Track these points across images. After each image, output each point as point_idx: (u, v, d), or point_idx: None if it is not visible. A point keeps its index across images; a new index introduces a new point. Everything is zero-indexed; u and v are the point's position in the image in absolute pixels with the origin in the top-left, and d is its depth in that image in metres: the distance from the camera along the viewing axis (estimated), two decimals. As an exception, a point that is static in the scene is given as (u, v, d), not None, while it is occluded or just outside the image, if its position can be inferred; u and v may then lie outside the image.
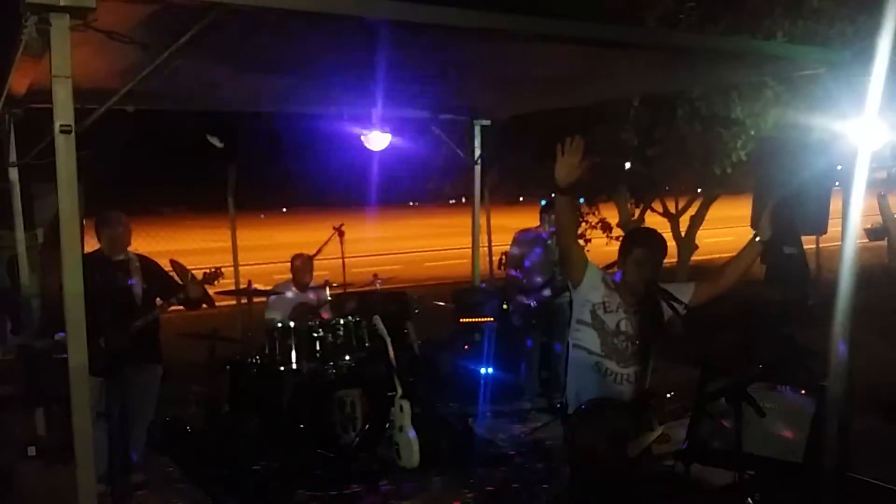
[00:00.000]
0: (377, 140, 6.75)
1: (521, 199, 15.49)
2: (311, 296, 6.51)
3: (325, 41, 4.46)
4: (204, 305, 5.56)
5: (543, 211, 7.17)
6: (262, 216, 43.44)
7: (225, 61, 4.68)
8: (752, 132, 8.70)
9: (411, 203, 52.51)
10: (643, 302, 3.61)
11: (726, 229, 18.87)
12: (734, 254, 3.91)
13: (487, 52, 4.99)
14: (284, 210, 51.10)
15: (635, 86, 7.23)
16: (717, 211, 13.40)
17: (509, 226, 8.44)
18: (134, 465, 5.32)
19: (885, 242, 7.10)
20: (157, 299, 5.29)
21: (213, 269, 5.45)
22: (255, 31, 4.01)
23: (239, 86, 5.85)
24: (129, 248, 5.34)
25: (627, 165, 10.45)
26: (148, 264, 5.38)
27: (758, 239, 3.69)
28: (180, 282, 5.35)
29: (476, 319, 7.03)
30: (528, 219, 7.34)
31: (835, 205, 5.22)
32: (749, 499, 4.25)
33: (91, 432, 3.09)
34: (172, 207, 43.99)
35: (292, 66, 5.10)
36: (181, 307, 5.38)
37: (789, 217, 3.66)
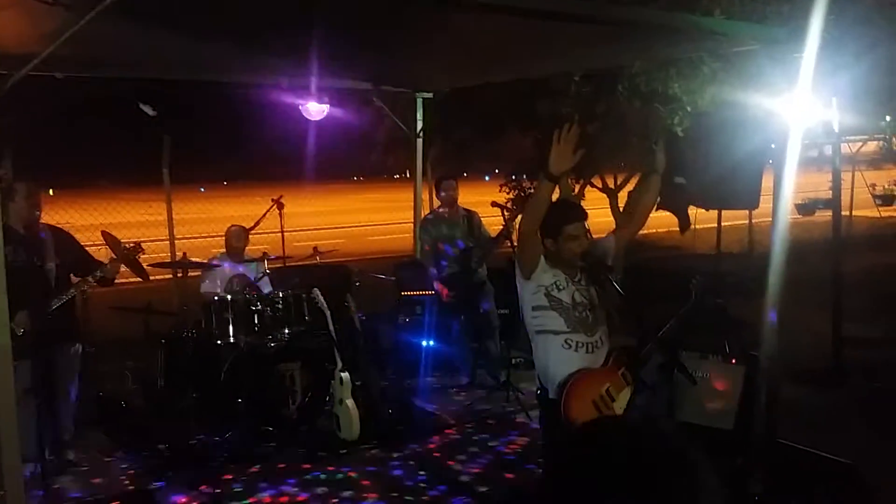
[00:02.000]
0: (316, 110, 6.64)
1: (465, 174, 15.49)
2: (248, 268, 6.39)
3: (261, 6, 4.35)
4: (139, 279, 5.42)
5: (441, 187, 7.08)
6: (202, 189, 42.66)
7: (157, 25, 4.53)
8: (689, 109, 8.82)
9: (355, 178, 52.19)
10: (583, 269, 3.66)
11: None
12: (636, 194, 4.04)
13: (429, 21, 4.94)
14: (225, 183, 50.29)
15: (576, 60, 7.25)
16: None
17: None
18: (65, 444, 5.19)
19: (814, 217, 7.37)
20: (73, 276, 5.08)
21: (131, 245, 5.23)
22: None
23: (172, 52, 5.68)
24: (42, 221, 5.10)
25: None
26: (62, 238, 5.14)
27: (654, 170, 3.82)
28: (114, 255, 5.18)
29: (417, 293, 7.02)
30: (472, 193, 7.34)
31: (766, 181, 5.36)
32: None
33: (14, 412, 3.00)
34: (109, 179, 42.89)
35: (228, 31, 4.97)
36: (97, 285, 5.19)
37: (679, 151, 3.86)
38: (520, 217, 7.27)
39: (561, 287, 3.61)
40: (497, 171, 16.06)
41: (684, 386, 4.52)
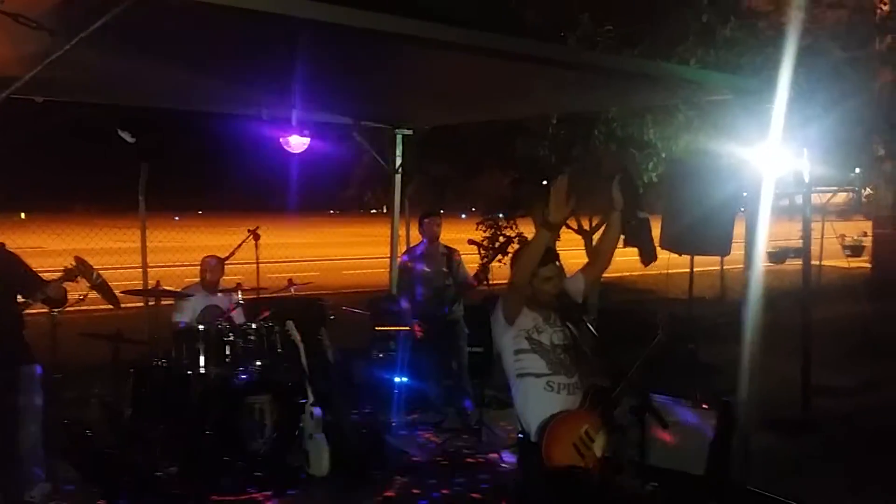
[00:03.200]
0: (296, 143, 6.67)
1: (441, 210, 15.55)
2: (221, 298, 6.35)
3: (244, 38, 4.39)
4: (110, 305, 5.30)
5: (425, 222, 7.13)
6: (176, 218, 42.31)
7: (139, 54, 4.55)
8: (664, 155, 8.98)
9: (331, 211, 52.16)
10: (557, 310, 3.68)
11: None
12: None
13: (410, 60, 5.01)
14: (200, 212, 49.98)
15: (553, 103, 7.37)
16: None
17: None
18: (35, 477, 4.93)
19: (784, 265, 7.48)
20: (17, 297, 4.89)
21: (72, 266, 5.12)
22: (170, 23, 3.91)
23: (153, 81, 5.71)
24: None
25: (545, 182, 10.63)
26: (4, 260, 4.94)
27: (615, 210, 3.86)
28: (78, 276, 5.05)
29: (391, 328, 7.00)
30: (448, 230, 7.36)
31: (738, 228, 5.45)
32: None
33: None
34: (83, 205, 42.50)
35: (209, 62, 5.00)
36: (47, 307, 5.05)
37: (633, 186, 3.93)
38: (499, 261, 7.34)
39: (540, 329, 3.63)
40: (473, 209, 16.18)
41: (656, 430, 4.55)
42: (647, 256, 3.97)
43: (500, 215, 11.79)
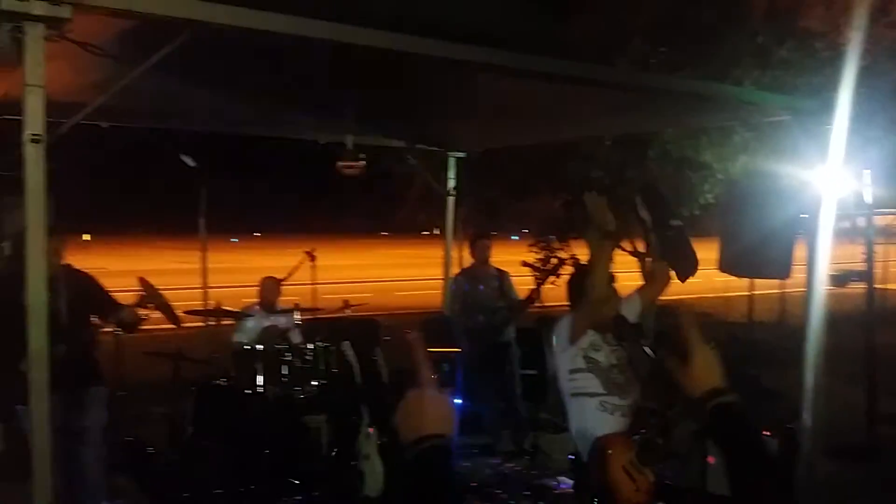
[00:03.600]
0: (350, 167, 6.77)
1: (493, 232, 15.56)
2: (279, 318, 6.46)
3: (300, 66, 4.49)
4: (172, 325, 5.41)
5: (476, 245, 7.14)
6: (234, 239, 43.18)
7: (201, 81, 4.70)
8: (720, 176, 8.86)
9: (384, 233, 52.60)
10: (614, 331, 3.66)
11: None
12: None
13: (463, 84, 5.06)
14: (257, 235, 50.88)
15: (607, 125, 7.35)
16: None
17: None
18: (98, 495, 5.00)
19: (846, 289, 7.28)
20: (91, 318, 5.00)
21: (145, 293, 5.21)
22: (232, 52, 4.03)
23: (215, 107, 5.87)
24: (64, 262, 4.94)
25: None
26: (77, 280, 5.04)
27: (648, 230, 3.81)
28: (150, 302, 5.19)
29: (444, 349, 7.01)
30: (500, 252, 7.38)
31: (798, 251, 5.34)
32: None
33: (49, 449, 3.03)
34: (145, 227, 43.63)
35: (268, 89, 5.13)
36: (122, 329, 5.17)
37: (659, 197, 3.85)
38: (551, 283, 7.30)
39: (597, 348, 3.62)
40: (526, 230, 16.16)
41: (717, 457, 4.45)
42: (684, 270, 3.89)
43: (553, 237, 11.75)
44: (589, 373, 3.57)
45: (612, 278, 3.70)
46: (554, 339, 3.69)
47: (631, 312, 3.81)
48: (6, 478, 4.99)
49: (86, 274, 5.17)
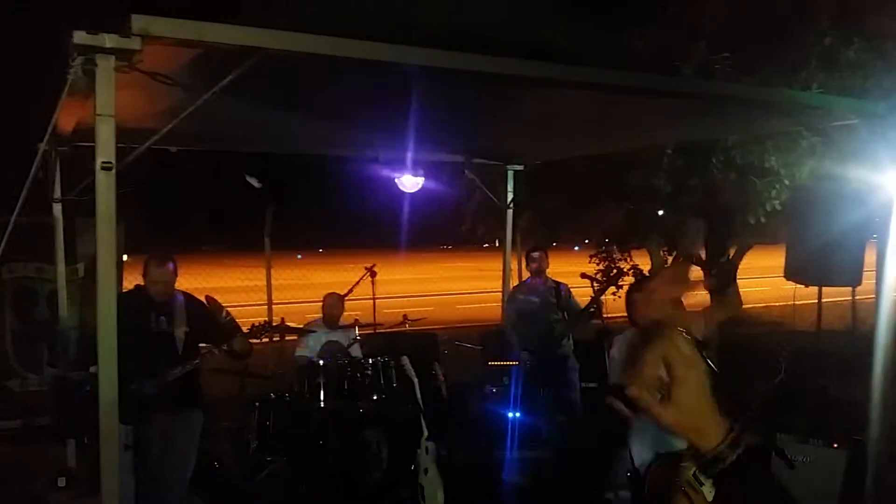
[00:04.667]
0: (411, 183, 6.85)
1: (553, 244, 15.49)
2: (341, 333, 6.56)
3: (360, 86, 4.56)
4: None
5: (530, 259, 7.12)
6: (299, 256, 43.82)
7: (264, 104, 4.81)
8: (787, 182, 8.64)
9: (445, 246, 52.77)
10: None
11: (762, 279, 18.64)
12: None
13: (521, 97, 5.07)
14: (321, 250, 51.54)
15: (668, 134, 7.26)
16: (753, 260, 13.26)
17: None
18: None
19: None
20: (202, 345, 5.14)
21: (261, 323, 5.40)
22: (294, 75, 4.13)
23: (278, 128, 6.00)
24: (178, 288, 5.16)
25: (660, 213, 10.42)
26: (195, 307, 5.18)
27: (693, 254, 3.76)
28: (263, 332, 5.33)
29: (504, 363, 7.01)
30: (561, 264, 7.35)
31: (870, 256, 5.18)
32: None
33: (117, 466, 3.13)
34: (212, 245, 44.63)
35: (329, 110, 5.22)
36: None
37: (698, 229, 3.80)
38: (612, 294, 7.24)
39: None
40: (587, 241, 16.05)
41: (782, 470, 4.34)
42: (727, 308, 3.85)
43: (614, 247, 11.63)
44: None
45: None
46: (614, 353, 3.65)
47: (695, 330, 3.76)
48: (80, 493, 5.18)
49: (200, 300, 5.28)
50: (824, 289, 7.54)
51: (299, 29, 3.27)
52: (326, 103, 5.03)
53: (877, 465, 4.50)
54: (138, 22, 2.97)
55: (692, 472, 3.42)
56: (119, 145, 3.39)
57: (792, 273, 6.07)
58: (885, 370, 4.66)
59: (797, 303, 9.47)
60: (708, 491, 3.41)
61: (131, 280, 5.61)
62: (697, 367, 1.13)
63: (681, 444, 3.43)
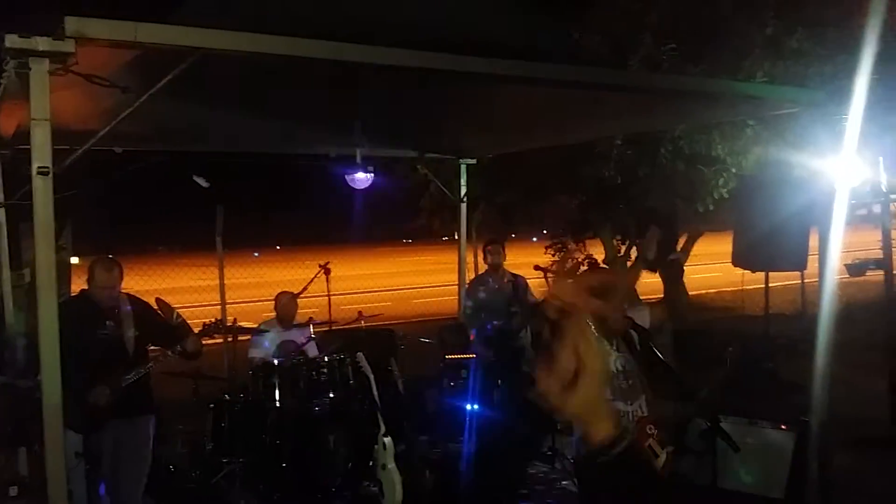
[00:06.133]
0: (361, 179, 6.83)
1: (513, 235, 15.58)
2: (295, 332, 6.52)
3: (306, 83, 4.54)
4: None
5: (487, 252, 7.19)
6: (256, 254, 43.39)
7: (208, 103, 4.77)
8: (734, 170, 8.82)
9: (405, 240, 52.74)
10: (622, 336, 3.67)
11: (713, 265, 19.00)
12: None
13: (471, 92, 5.09)
14: (278, 248, 51.11)
15: (616, 126, 7.35)
16: (704, 247, 13.49)
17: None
18: None
19: (866, 277, 7.22)
20: (152, 347, 5.08)
21: (213, 322, 5.35)
22: (236, 74, 4.09)
23: (225, 127, 5.94)
24: (123, 290, 5.06)
25: (619, 206, 10.53)
26: (143, 310, 5.10)
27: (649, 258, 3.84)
28: (215, 331, 5.28)
29: (461, 356, 7.03)
30: (519, 255, 7.40)
31: (813, 241, 5.30)
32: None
33: (64, 474, 3.08)
34: (166, 246, 44.00)
35: (274, 107, 5.19)
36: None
37: (657, 234, 3.90)
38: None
39: (606, 354, 3.63)
40: (545, 232, 16.16)
41: (731, 453, 4.44)
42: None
43: (568, 238, 11.74)
44: None
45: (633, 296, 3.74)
46: None
47: (641, 320, 3.81)
48: (32, 501, 5.08)
49: (146, 303, 5.20)
50: (774, 273, 7.69)
51: (238, 28, 3.24)
52: (273, 102, 5.00)
53: (823, 446, 4.63)
54: (72, 24, 2.92)
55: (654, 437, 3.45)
56: (62, 147, 3.34)
57: (739, 259, 6.21)
58: (828, 351, 4.78)
59: (746, 288, 9.64)
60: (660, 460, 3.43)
61: (80, 283, 5.50)
62: (603, 359, 1.16)
63: (632, 428, 3.50)
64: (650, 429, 3.51)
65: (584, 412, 1.12)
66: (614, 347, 3.64)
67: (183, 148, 7.14)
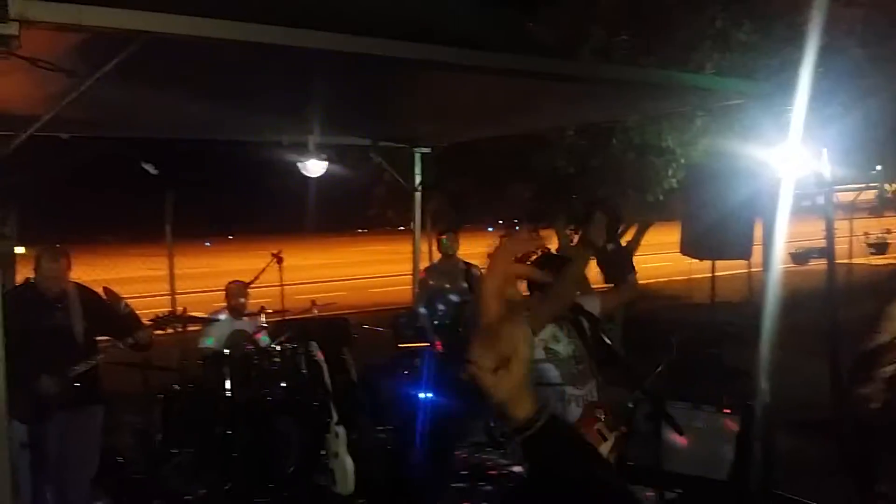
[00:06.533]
0: (314, 167, 6.79)
1: (468, 224, 15.60)
2: (247, 322, 6.47)
3: (257, 69, 4.49)
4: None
5: (441, 241, 7.24)
6: (208, 244, 42.89)
7: (156, 89, 4.68)
8: (683, 160, 8.96)
9: (360, 230, 52.57)
10: (572, 322, 3.73)
11: (663, 255, 19.33)
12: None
13: (423, 82, 5.09)
14: (231, 238, 50.55)
15: (566, 116, 7.41)
16: (655, 237, 13.70)
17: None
18: None
19: (811, 266, 7.43)
20: (101, 338, 5.03)
21: (164, 314, 5.29)
22: (184, 59, 4.02)
23: (174, 114, 5.85)
24: (72, 279, 5.00)
25: (574, 196, 10.61)
26: (91, 300, 5.06)
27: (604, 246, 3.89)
28: (168, 323, 5.23)
29: (414, 345, 7.05)
30: (474, 244, 7.45)
31: (759, 231, 5.43)
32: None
33: (9, 465, 3.03)
34: (115, 235, 43.18)
35: (224, 93, 5.12)
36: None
37: (617, 217, 3.98)
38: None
39: (558, 339, 3.68)
40: (501, 221, 16.25)
41: (674, 436, 4.54)
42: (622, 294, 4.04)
43: (521, 227, 11.79)
44: (548, 363, 3.63)
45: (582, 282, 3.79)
46: None
47: (591, 307, 3.87)
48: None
49: (96, 293, 5.15)
50: (721, 262, 7.86)
51: (185, 12, 3.20)
52: (223, 87, 4.93)
53: (766, 429, 4.76)
54: (15, 6, 2.84)
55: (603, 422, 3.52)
56: (6, 133, 3.26)
57: (686, 248, 6.32)
58: (772, 338, 4.91)
59: (694, 277, 9.84)
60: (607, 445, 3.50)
61: (25, 273, 5.39)
62: (529, 344, 1.22)
63: (575, 416, 3.55)
64: (598, 413, 3.57)
65: (511, 394, 1.17)
66: (565, 333, 3.70)
67: (132, 134, 7.01)
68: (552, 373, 3.63)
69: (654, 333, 8.16)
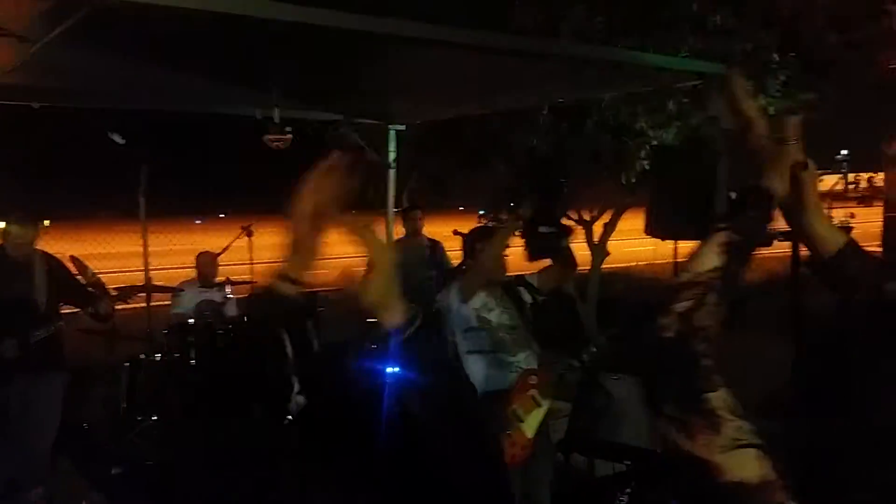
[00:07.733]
0: (279, 141, 6.79)
1: (445, 204, 15.61)
2: (215, 292, 6.53)
3: (223, 38, 4.48)
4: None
5: (406, 217, 7.30)
6: (199, 221, 42.68)
7: (116, 56, 4.67)
8: (655, 142, 9.00)
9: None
10: (506, 290, 3.80)
11: (647, 239, 19.39)
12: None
13: (397, 58, 5.10)
14: (222, 216, 50.35)
15: (535, 94, 7.40)
16: (636, 223, 13.74)
17: (430, 231, 8.53)
18: (34, 481, 5.11)
19: (773, 249, 7.41)
20: (63, 305, 5.14)
21: (127, 287, 5.35)
22: (144, 24, 4.03)
23: (136, 82, 5.83)
24: (38, 248, 5.13)
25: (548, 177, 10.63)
26: (56, 267, 5.16)
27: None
28: (83, 281, 5.26)
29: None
30: (450, 224, 7.49)
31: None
32: (622, 491, 4.42)
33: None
34: (107, 210, 42.95)
35: (189, 62, 5.12)
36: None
37: (541, 201, 4.05)
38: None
39: (490, 308, 3.75)
40: (477, 202, 16.25)
41: (629, 408, 4.64)
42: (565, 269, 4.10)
43: (499, 207, 11.83)
44: (481, 330, 3.71)
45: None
46: (443, 298, 3.81)
47: (531, 279, 3.94)
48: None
49: (60, 261, 5.25)
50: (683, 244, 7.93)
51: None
52: (185, 56, 4.93)
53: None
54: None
55: (511, 409, 3.66)
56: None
57: (649, 229, 6.38)
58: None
59: (681, 260, 9.85)
60: (529, 426, 3.65)
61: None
62: (388, 256, 1.49)
63: (508, 383, 3.64)
64: (532, 379, 3.65)
65: (379, 299, 1.35)
66: (497, 302, 3.77)
67: (103, 105, 7.00)
68: (485, 341, 3.70)
69: (626, 314, 8.25)
